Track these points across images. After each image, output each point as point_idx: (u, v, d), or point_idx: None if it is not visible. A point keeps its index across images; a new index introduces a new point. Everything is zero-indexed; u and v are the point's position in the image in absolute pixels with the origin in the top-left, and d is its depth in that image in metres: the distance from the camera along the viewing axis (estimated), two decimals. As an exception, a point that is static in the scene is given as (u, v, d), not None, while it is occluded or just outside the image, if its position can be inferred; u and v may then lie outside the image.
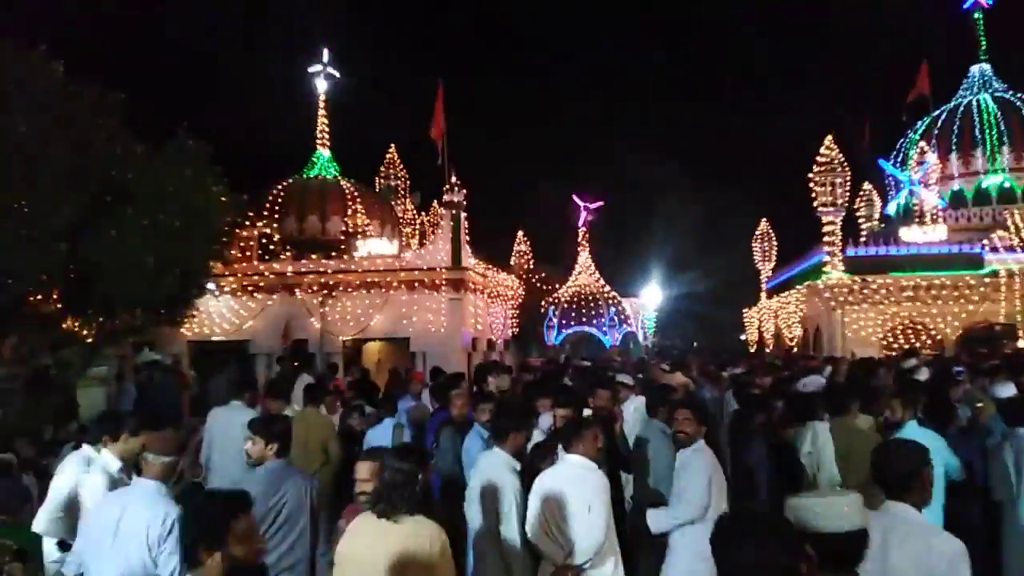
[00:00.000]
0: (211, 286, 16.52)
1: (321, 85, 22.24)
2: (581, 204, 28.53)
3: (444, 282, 17.90)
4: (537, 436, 5.32)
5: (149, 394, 11.30)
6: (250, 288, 18.10)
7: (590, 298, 27.30)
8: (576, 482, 4.26)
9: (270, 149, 23.18)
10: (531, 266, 28.10)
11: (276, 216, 19.48)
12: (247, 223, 17.88)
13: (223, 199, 14.59)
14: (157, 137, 13.62)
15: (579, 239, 28.69)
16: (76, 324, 12.96)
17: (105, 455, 4.61)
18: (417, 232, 19.86)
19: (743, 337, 33.28)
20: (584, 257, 28.54)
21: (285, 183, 21.02)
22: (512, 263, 27.01)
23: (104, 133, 12.48)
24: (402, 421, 7.36)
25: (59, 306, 12.63)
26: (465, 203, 18.65)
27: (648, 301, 28.10)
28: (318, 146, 22.34)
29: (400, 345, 18.07)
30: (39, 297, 12.36)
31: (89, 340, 12.97)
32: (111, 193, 12.44)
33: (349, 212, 20.01)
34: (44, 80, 11.92)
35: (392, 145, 22.63)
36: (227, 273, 17.55)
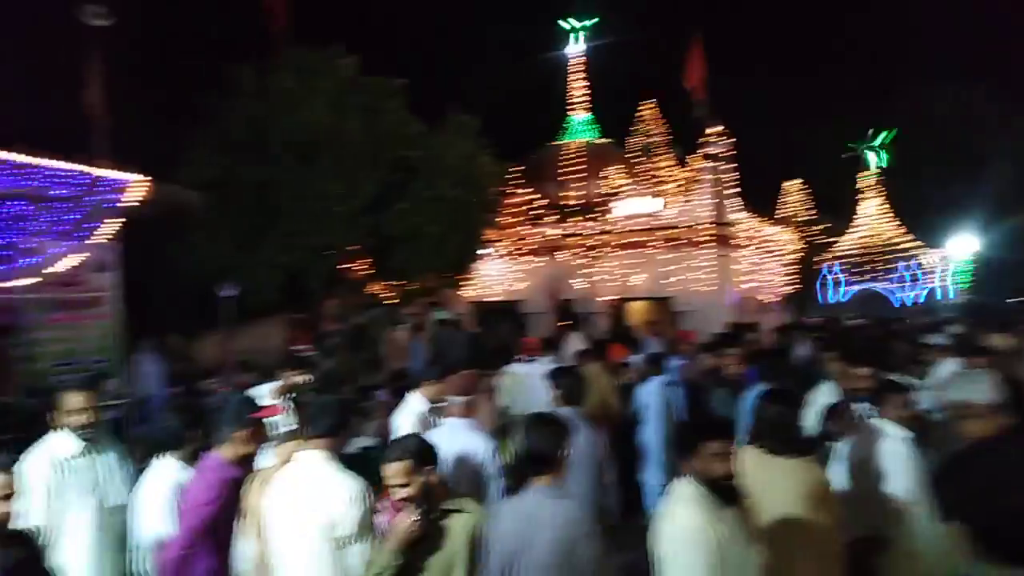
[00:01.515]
0: (486, 251, 17.88)
1: (574, 48, 22.47)
2: (863, 147, 25.39)
3: (707, 238, 17.25)
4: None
5: (442, 347, 12.55)
6: (520, 252, 19.23)
7: (879, 251, 24.36)
8: (884, 450, 3.81)
9: (531, 115, 24.01)
10: (809, 218, 25.80)
11: (540, 182, 20.27)
12: (515, 190, 18.93)
13: (493, 169, 15.59)
14: (434, 116, 14.92)
15: (864, 185, 25.63)
16: (380, 288, 14.88)
17: (414, 398, 5.20)
18: (680, 189, 19.30)
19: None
20: (871, 205, 25.43)
21: (545, 149, 21.78)
22: (786, 216, 25.08)
23: (392, 117, 14.01)
24: (674, 379, 7.28)
25: (367, 272, 14.62)
26: (730, 155, 17.70)
27: (956, 252, 23.98)
28: (574, 110, 22.69)
29: (663, 305, 17.87)
30: (351, 265, 14.41)
31: (392, 302, 14.82)
32: (401, 171, 13.94)
33: (607, 173, 20.11)
34: (342, 73, 13.70)
35: (648, 100, 22.12)
36: (500, 239, 18.80)
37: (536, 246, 19.16)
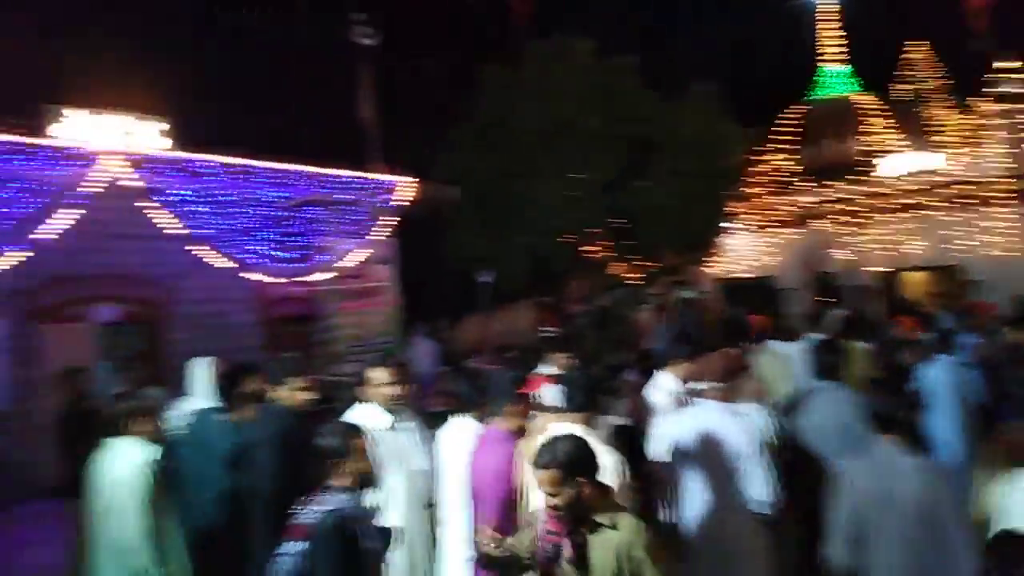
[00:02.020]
0: (732, 224, 17.10)
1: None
2: None
3: (1003, 194, 14.71)
4: None
5: (687, 326, 12.32)
6: (769, 223, 18.06)
7: None
8: None
9: (776, 74, 22.27)
10: None
11: (789, 146, 18.81)
12: (761, 157, 17.79)
13: (736, 137, 14.83)
14: (672, 88, 14.56)
15: None
16: (623, 268, 14.98)
17: (664, 377, 5.18)
18: (964, 139, 16.68)
19: None
20: None
21: (793, 109, 20.09)
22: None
23: (628, 95, 13.95)
24: (965, 359, 6.36)
25: (609, 253, 14.80)
26: (1029, 93, 14.90)
27: None
28: (826, 62, 20.62)
29: (947, 273, 15.63)
30: (593, 247, 14.69)
31: (635, 282, 14.85)
32: (638, 148, 13.84)
33: (870, 128, 18.02)
34: (579, 59, 13.95)
35: (918, 41, 19.31)
36: (746, 210, 17.84)
37: (788, 216, 17.83)
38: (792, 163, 18.16)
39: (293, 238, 11.42)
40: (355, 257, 11.84)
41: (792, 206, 17.69)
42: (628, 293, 14.43)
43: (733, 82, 15.47)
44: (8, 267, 8.45)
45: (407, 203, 12.74)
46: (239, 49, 17.42)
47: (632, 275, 15.09)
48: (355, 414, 4.03)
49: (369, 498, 2.96)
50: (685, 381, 4.90)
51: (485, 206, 13.85)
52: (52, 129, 8.93)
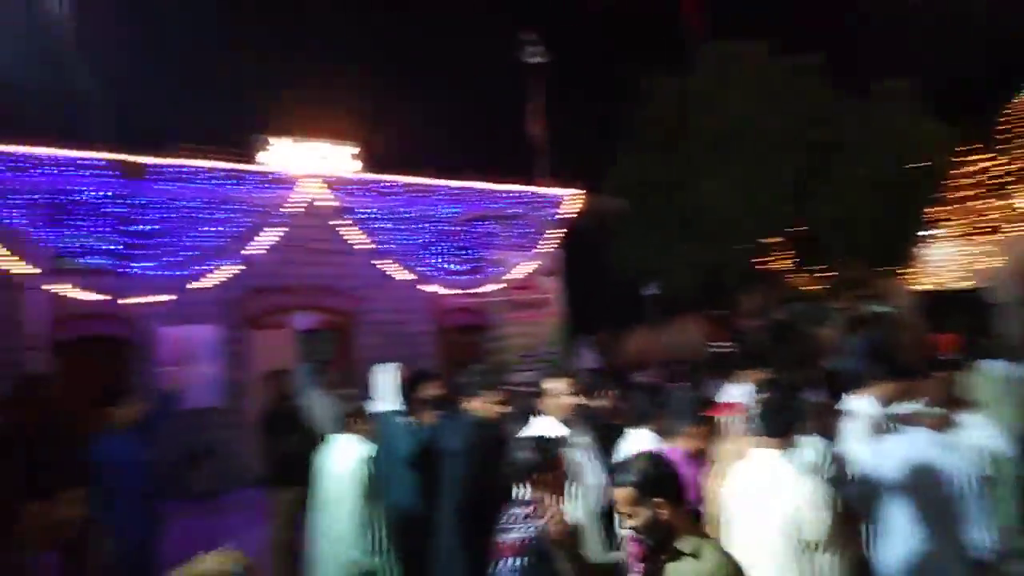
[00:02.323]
0: (932, 232, 15.42)
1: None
2: None
3: None
4: None
5: (878, 346, 11.27)
6: (979, 230, 16.04)
7: None
8: None
9: (988, 62, 19.83)
10: None
11: (1005, 143, 16.67)
12: (969, 157, 15.90)
13: (939, 136, 13.39)
14: (862, 86, 13.45)
15: None
16: (804, 281, 14.01)
17: (860, 401, 4.73)
18: None
19: None
20: None
21: (1009, 103, 17.76)
22: None
23: (809, 96, 13.07)
24: None
25: (788, 265, 13.91)
26: None
27: None
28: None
29: None
30: (770, 258, 13.89)
31: (817, 295, 13.83)
32: (822, 152, 12.92)
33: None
34: (753, 61, 13.31)
35: None
36: (950, 216, 16.01)
37: (1002, 222, 15.77)
38: (1006, 162, 16.08)
39: (466, 252, 11.90)
40: (523, 269, 12.10)
41: (1007, 211, 15.62)
42: (809, 307, 13.46)
43: (934, 75, 13.98)
44: (223, 280, 9.56)
45: (574, 215, 12.84)
46: (418, 75, 18.54)
47: (814, 288, 14.06)
48: (533, 427, 4.06)
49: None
50: (886, 404, 4.47)
51: (654, 216, 13.59)
52: (260, 156, 10.01)
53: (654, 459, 2.46)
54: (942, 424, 3.70)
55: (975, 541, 3.27)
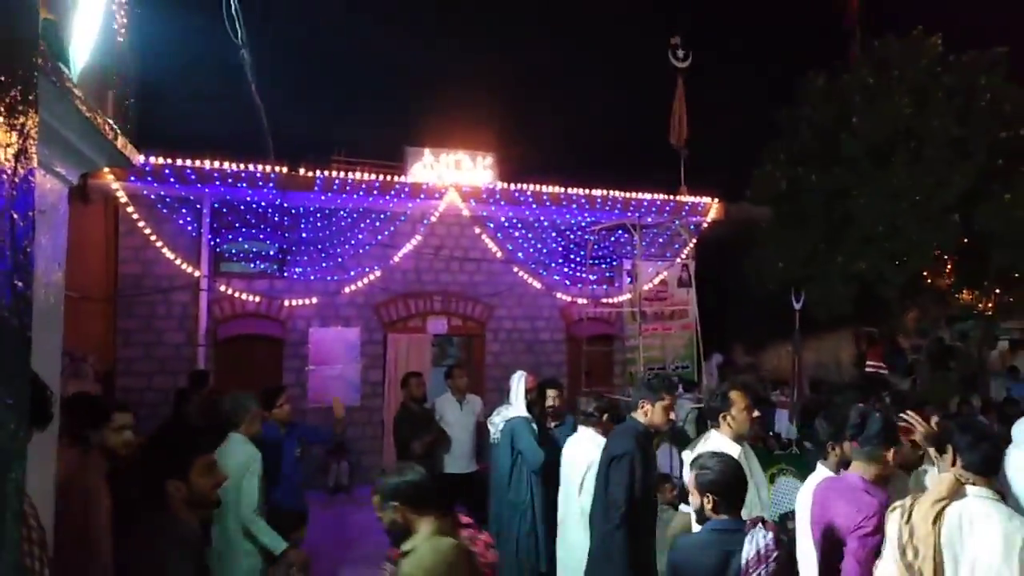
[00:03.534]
0: None
1: None
2: None
3: None
4: None
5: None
6: None
7: None
8: None
9: None
10: None
11: None
12: None
13: None
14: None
15: None
16: (973, 297, 12.68)
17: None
18: None
19: None
20: None
21: None
22: None
23: (989, 94, 11.83)
24: None
25: (953, 279, 12.65)
26: None
27: None
28: None
29: None
30: (935, 271, 12.68)
31: (987, 313, 12.47)
32: (1002, 155, 11.66)
33: None
34: (924, 57, 12.23)
35: None
36: None
37: None
38: None
39: (600, 261, 11.83)
40: (658, 280, 11.85)
41: None
42: (977, 326, 12.16)
43: None
44: (367, 284, 10.13)
45: (713, 224, 12.42)
46: (561, 79, 18.70)
47: (983, 306, 12.68)
48: (709, 443, 3.98)
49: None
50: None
51: (803, 225, 12.83)
52: (409, 168, 10.51)
53: (412, 475, 2.77)
54: None
55: None
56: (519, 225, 11.31)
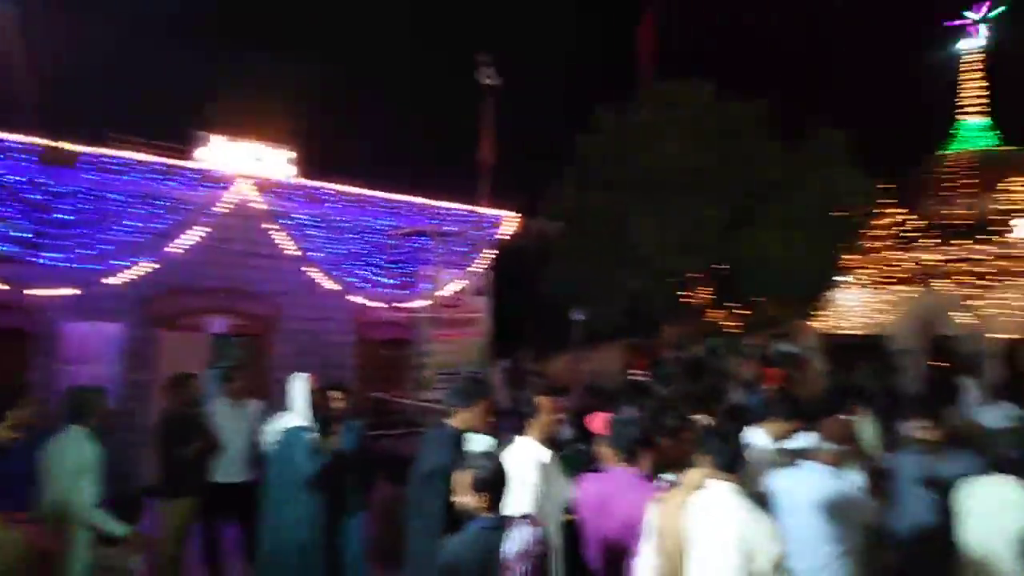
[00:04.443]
0: (845, 278, 16.26)
1: (969, 43, 19.26)
2: None
3: None
4: None
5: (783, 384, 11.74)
6: (887, 279, 17.03)
7: None
8: None
9: (910, 125, 21.18)
10: None
11: (916, 199, 17.77)
12: (884, 210, 16.89)
13: (860, 187, 14.18)
14: (797, 134, 14.11)
15: None
16: (723, 316, 14.53)
17: (756, 434, 4.96)
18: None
19: None
20: None
21: (926, 162, 19.01)
22: None
23: (748, 140, 13.65)
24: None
25: (710, 300, 14.42)
26: None
27: None
28: (966, 114, 19.43)
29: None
30: (694, 292, 14.37)
31: (733, 331, 14.35)
32: (757, 194, 13.48)
33: (1006, 186, 16.76)
34: (696, 102, 13.85)
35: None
36: (862, 265, 16.93)
37: (908, 273, 16.77)
38: (916, 218, 17.15)
39: (397, 265, 11.85)
40: (454, 287, 12.13)
41: (913, 263, 16.65)
42: (724, 342, 13.95)
43: (865, 131, 14.79)
44: (138, 277, 9.24)
45: (510, 237, 12.98)
46: (368, 86, 18.46)
47: (731, 324, 14.60)
48: (516, 448, 3.99)
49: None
50: (779, 440, 4.70)
51: (588, 244, 13.88)
52: (195, 153, 9.77)
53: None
54: (838, 460, 4.02)
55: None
56: (317, 223, 11.00)
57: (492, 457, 3.18)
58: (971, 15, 19.14)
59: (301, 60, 16.15)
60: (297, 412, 5.20)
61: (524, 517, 3.03)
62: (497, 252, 12.89)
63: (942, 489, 4.35)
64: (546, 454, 3.96)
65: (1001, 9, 18.80)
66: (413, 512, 3.93)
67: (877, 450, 5.37)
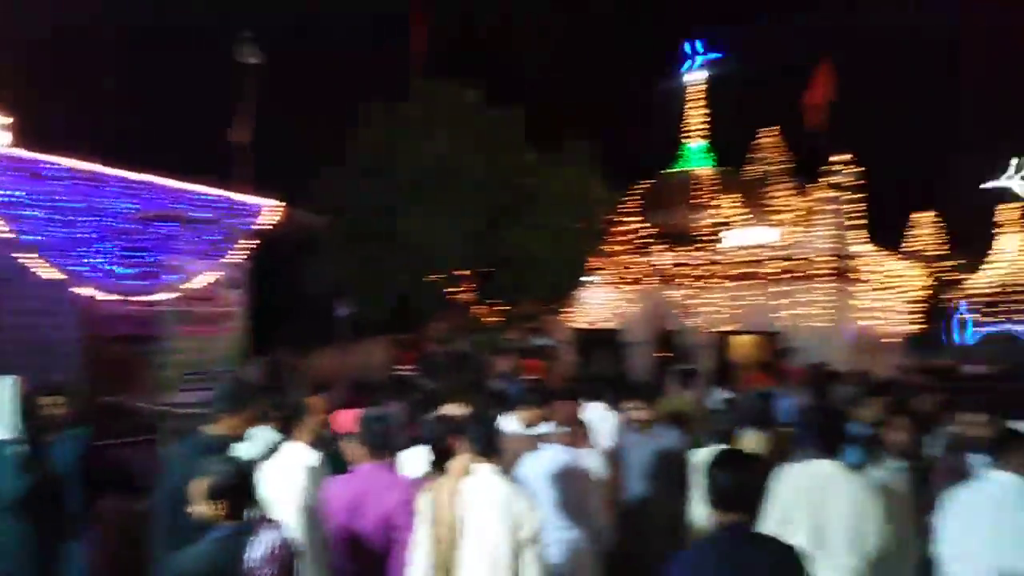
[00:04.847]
0: (591, 279, 17.92)
1: (693, 75, 22.20)
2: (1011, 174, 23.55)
3: (825, 271, 16.48)
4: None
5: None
6: (625, 280, 19.11)
7: (1016, 290, 22.41)
8: (1006, 504, 3.58)
9: (648, 142, 23.89)
10: (940, 253, 24.10)
11: (651, 210, 20.09)
12: (624, 218, 18.89)
13: (604, 196, 15.66)
14: (552, 143, 15.16)
15: (1004, 219, 23.71)
16: (485, 312, 15.23)
17: (508, 421, 5.33)
18: (799, 219, 18.57)
19: None
20: (1011, 240, 23.44)
21: (658, 177, 21.60)
22: (915, 250, 23.55)
23: (509, 145, 14.39)
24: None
25: (473, 296, 15.01)
26: (856, 184, 16.98)
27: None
28: (689, 137, 22.40)
29: (772, 339, 17.14)
30: (459, 289, 14.86)
31: (496, 326, 15.12)
32: (515, 198, 14.26)
33: (721, 202, 19.63)
34: (463, 105, 14.29)
35: (770, 128, 21.47)
36: (606, 267, 18.77)
37: (642, 275, 18.97)
38: (649, 227, 19.40)
39: (138, 254, 10.68)
40: (206, 279, 11.25)
41: (646, 267, 18.84)
42: (486, 337, 14.67)
43: (610, 145, 16.33)
44: None
45: (271, 228, 12.33)
46: (107, 49, 16.37)
47: (492, 319, 15.36)
48: (283, 453, 3.84)
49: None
50: (529, 425, 5.08)
51: (358, 237, 13.68)
52: None
53: None
54: (572, 441, 4.60)
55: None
56: (36, 203, 9.51)
57: (230, 461, 3.05)
58: (698, 54, 22.10)
59: (28, 11, 13.84)
60: (0, 422, 4.48)
61: (269, 521, 2.94)
62: (257, 243, 12.19)
63: (657, 462, 5.07)
64: (315, 457, 3.89)
65: (716, 56, 21.98)
66: (160, 531, 3.64)
67: (611, 431, 6.07)
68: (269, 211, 12.24)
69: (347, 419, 4.05)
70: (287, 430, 4.05)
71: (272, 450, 4.01)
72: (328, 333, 12.80)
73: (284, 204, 12.52)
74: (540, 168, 14.64)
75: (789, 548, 2.68)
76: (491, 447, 3.53)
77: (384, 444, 3.76)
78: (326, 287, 13.29)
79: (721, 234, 18.49)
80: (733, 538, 2.64)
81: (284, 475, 3.74)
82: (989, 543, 3.51)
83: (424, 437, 4.12)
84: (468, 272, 14.63)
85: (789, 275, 16.86)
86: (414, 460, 4.12)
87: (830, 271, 16.47)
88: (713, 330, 17.82)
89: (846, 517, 3.53)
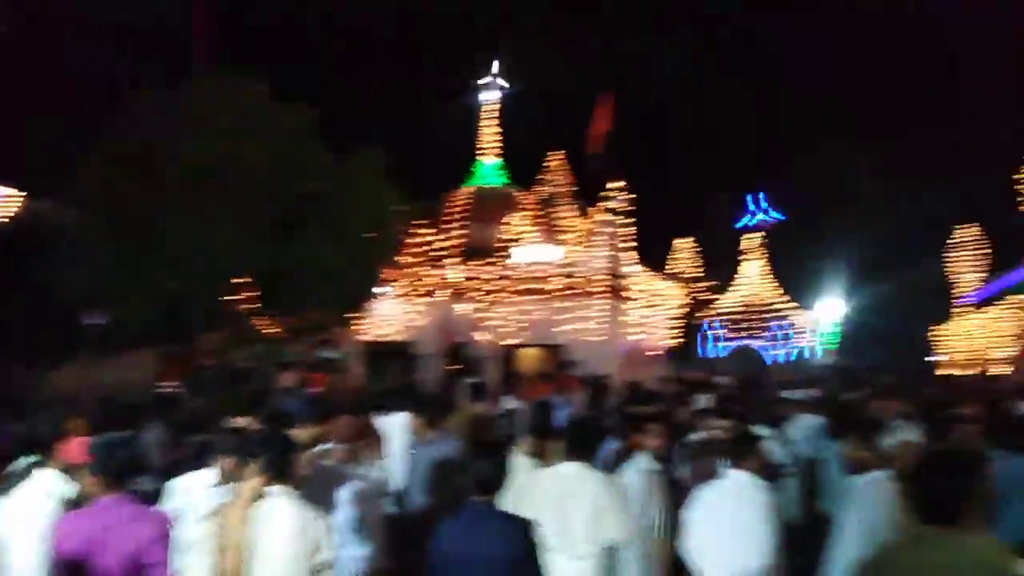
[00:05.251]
0: (383, 290, 17.65)
1: (489, 96, 22.86)
2: (754, 208, 27.30)
3: (601, 289, 17.77)
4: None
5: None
6: (418, 292, 19.07)
7: (755, 310, 26.03)
8: (742, 500, 4.08)
9: (444, 157, 24.18)
10: (696, 275, 27.23)
11: (445, 224, 20.30)
12: (418, 230, 18.88)
13: (398, 207, 15.49)
14: (343, 148, 14.67)
15: (747, 247, 27.45)
16: (267, 323, 14.32)
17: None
18: (580, 239, 19.86)
19: (931, 358, 29.59)
20: (753, 266, 27.19)
21: (453, 192, 21.89)
22: (675, 272, 26.33)
23: (298, 146, 13.67)
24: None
25: (254, 305, 14.04)
26: (628, 210, 18.51)
27: (825, 315, 25.80)
28: (484, 155, 23.01)
29: (555, 352, 18.11)
30: (238, 296, 13.81)
31: (279, 338, 14.27)
32: (301, 201, 13.59)
33: (509, 219, 20.37)
34: (248, 100, 13.37)
35: (557, 151, 22.73)
36: (398, 278, 18.60)
37: (434, 287, 19.07)
38: (442, 240, 19.61)
39: None
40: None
41: (439, 279, 18.97)
42: (267, 349, 13.80)
43: (406, 157, 16.21)
44: None
45: (7, 220, 10.60)
46: None
47: (276, 330, 14.49)
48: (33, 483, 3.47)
49: None
50: (313, 443, 4.83)
51: (117, 237, 12.16)
52: None
53: None
54: (350, 457, 4.61)
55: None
56: None
57: None
58: (491, 75, 22.80)
59: None
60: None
61: None
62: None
63: (437, 469, 5.14)
64: (70, 488, 3.56)
65: (507, 87, 22.87)
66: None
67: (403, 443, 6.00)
68: (1, 201, 10.52)
69: (78, 447, 3.54)
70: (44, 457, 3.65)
71: (19, 478, 3.57)
72: (74, 344, 11.20)
73: (24, 194, 10.85)
74: (335, 173, 14.11)
75: (524, 520, 3.17)
76: (284, 469, 3.36)
77: (123, 473, 3.31)
78: (75, 291, 11.63)
79: (511, 250, 19.19)
80: (478, 512, 3.16)
81: (28, 508, 3.28)
82: (727, 534, 4.00)
83: (203, 458, 3.87)
84: (248, 279, 13.65)
85: (571, 292, 17.93)
86: (192, 486, 3.87)
87: (605, 289, 17.78)
88: (501, 343, 18.39)
89: (585, 511, 3.85)
